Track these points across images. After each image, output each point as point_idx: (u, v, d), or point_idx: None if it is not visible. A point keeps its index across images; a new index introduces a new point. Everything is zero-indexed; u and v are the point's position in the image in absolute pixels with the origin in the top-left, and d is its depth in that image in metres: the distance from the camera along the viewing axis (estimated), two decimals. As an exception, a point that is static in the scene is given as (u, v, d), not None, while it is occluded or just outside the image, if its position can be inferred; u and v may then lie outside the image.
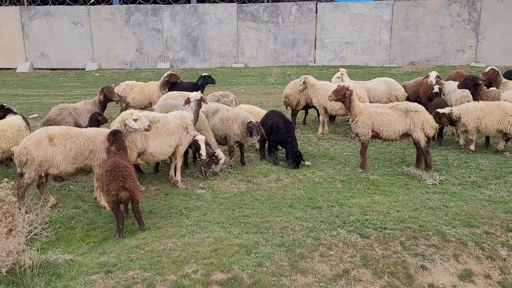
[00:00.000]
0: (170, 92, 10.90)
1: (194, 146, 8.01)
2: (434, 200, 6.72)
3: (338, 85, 8.50)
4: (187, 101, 8.06)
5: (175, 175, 7.92)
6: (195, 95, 8.15)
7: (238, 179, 8.26)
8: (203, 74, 12.25)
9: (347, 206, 6.65)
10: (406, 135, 8.22)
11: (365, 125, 8.15)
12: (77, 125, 8.52)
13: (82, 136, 6.67)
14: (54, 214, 6.36)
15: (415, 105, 8.39)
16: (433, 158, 8.59)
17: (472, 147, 9.20)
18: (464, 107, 9.01)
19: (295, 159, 8.73)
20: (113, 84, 19.39)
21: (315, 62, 22.89)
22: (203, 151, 7.84)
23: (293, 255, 5.06)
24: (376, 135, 8.33)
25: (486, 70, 10.87)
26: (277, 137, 8.91)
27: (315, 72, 20.62)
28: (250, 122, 8.64)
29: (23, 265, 4.50)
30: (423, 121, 8.08)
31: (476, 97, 9.35)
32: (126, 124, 6.69)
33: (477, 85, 9.33)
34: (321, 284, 4.65)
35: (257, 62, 23.20)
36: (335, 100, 8.49)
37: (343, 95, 8.16)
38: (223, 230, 5.84)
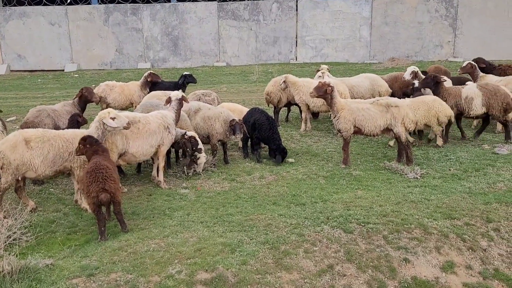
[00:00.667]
0: (153, 92, 10.77)
1: (181, 144, 7.99)
2: (415, 194, 6.81)
3: (320, 82, 8.54)
4: (168, 101, 7.99)
5: (157, 176, 7.83)
6: (176, 94, 8.08)
7: (221, 178, 8.22)
8: (184, 73, 12.16)
9: (331, 202, 6.68)
10: (387, 129, 8.31)
11: (347, 120, 8.22)
12: (56, 127, 8.33)
13: (60, 138, 6.53)
14: (33, 218, 6.23)
15: (395, 100, 8.48)
16: (414, 152, 8.69)
17: (439, 142, 9.35)
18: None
19: (282, 154, 8.74)
20: (93, 85, 19.12)
21: (296, 59, 22.96)
22: (201, 145, 8.00)
23: (278, 252, 5.06)
24: (358, 131, 8.40)
25: (464, 65, 11.06)
26: (260, 134, 8.89)
27: (297, 69, 20.70)
28: (233, 120, 8.61)
29: (2, 271, 4.39)
30: (403, 116, 8.17)
31: (437, 94, 9.55)
32: (104, 123, 6.58)
33: (438, 83, 9.54)
34: (306, 280, 4.66)
35: (239, 61, 23.14)
36: (316, 97, 8.56)
37: (324, 92, 8.21)
38: (207, 229, 5.81)
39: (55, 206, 7.01)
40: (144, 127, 7.39)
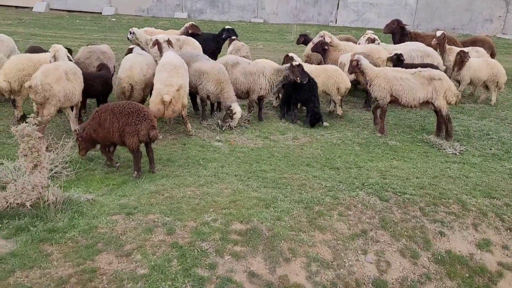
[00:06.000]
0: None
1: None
2: (454, 170, 6.65)
3: (351, 59, 8.55)
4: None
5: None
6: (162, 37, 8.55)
7: (255, 135, 8.21)
8: (226, 27, 11.84)
9: (365, 169, 6.61)
10: (427, 103, 8.04)
11: (382, 88, 8.07)
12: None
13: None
14: (73, 154, 6.38)
15: (438, 73, 8.15)
16: (454, 128, 8.43)
17: (339, 111, 9.33)
18: None
19: (312, 119, 8.64)
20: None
21: (336, 22, 22.16)
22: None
23: (312, 212, 5.08)
24: (395, 100, 8.18)
25: (438, 34, 11.14)
26: (299, 96, 8.76)
27: (335, 32, 19.99)
28: (290, 64, 8.44)
29: (47, 201, 4.55)
30: (446, 89, 7.87)
31: (325, 60, 10.31)
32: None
33: (324, 50, 10.28)
34: (338, 242, 4.68)
35: (276, 18, 22.51)
36: (351, 73, 8.87)
37: (353, 67, 8.35)
38: (241, 183, 5.85)
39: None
40: None
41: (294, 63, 8.40)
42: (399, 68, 8.57)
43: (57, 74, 6.64)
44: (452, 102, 8.01)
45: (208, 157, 7.01)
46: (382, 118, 8.35)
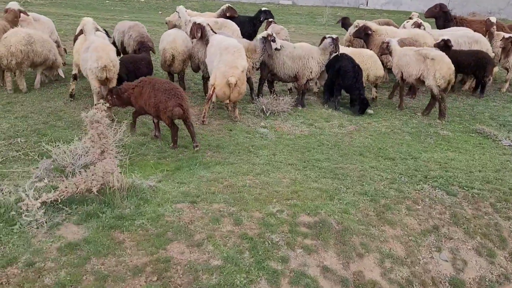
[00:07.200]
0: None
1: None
2: (514, 163, 6.40)
3: (382, 41, 9.04)
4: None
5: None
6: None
7: (299, 121, 8.04)
8: (263, 9, 11.56)
9: (422, 160, 6.40)
10: (420, 80, 8.32)
11: (395, 65, 8.65)
12: None
13: None
14: (126, 139, 6.30)
15: (435, 53, 8.18)
16: (506, 119, 8.13)
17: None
18: None
19: (361, 105, 8.42)
20: (160, 12, 18.87)
21: (367, 4, 21.64)
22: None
23: (378, 205, 4.92)
24: (402, 75, 8.57)
25: (493, 20, 10.90)
26: (344, 82, 8.51)
27: (367, 15, 19.54)
28: (262, 36, 8.10)
29: (112, 187, 4.48)
30: (435, 70, 7.95)
31: (367, 45, 10.04)
32: None
33: (367, 35, 9.99)
34: (410, 238, 4.53)
35: (305, 0, 22.04)
36: (381, 55, 9.12)
37: (383, 49, 8.83)
38: (299, 173, 5.72)
39: (141, 130, 7.08)
40: None
41: (265, 35, 8.10)
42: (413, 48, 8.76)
43: (111, 49, 7.06)
44: (440, 86, 7.98)
45: (257, 144, 6.87)
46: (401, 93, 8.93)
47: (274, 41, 7.97)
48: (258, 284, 3.79)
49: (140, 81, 6.47)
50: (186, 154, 6.31)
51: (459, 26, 11.44)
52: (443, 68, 7.90)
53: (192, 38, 8.44)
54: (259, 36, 8.35)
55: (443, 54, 8.21)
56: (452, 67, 8.00)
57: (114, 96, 6.44)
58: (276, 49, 8.06)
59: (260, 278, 3.86)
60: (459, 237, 4.59)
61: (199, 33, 8.02)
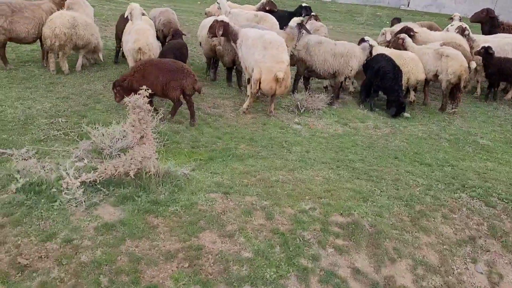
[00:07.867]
0: None
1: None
2: (558, 179, 6.13)
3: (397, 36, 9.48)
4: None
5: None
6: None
7: (333, 120, 7.95)
8: (304, 5, 11.47)
9: (460, 169, 6.22)
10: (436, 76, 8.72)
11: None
12: None
13: None
14: (161, 126, 6.38)
15: (450, 51, 8.54)
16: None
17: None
18: None
19: (398, 108, 8.24)
20: (199, 2, 18.98)
21: (408, 5, 21.14)
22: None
23: (413, 211, 4.82)
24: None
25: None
26: (382, 83, 8.35)
27: (407, 16, 19.05)
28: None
29: (148, 172, 4.55)
30: (448, 66, 8.38)
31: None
32: None
33: (410, 36, 9.85)
34: (444, 246, 4.42)
35: (345, -2, 21.75)
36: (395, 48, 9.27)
37: (398, 44, 9.26)
38: (332, 172, 5.66)
39: (176, 118, 7.15)
40: None
41: (298, 21, 8.52)
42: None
43: (151, 33, 7.41)
44: (450, 80, 8.43)
45: (291, 140, 6.84)
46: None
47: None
48: (288, 279, 3.78)
49: (139, 66, 6.59)
50: (219, 145, 6.34)
51: (505, 32, 11.03)
52: (454, 65, 8.37)
53: (212, 37, 7.78)
54: (293, 23, 8.41)
55: (458, 52, 8.61)
56: (465, 64, 8.44)
57: (118, 88, 6.49)
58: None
59: (290, 274, 3.85)
60: (496, 250, 4.45)
61: (221, 30, 7.54)
